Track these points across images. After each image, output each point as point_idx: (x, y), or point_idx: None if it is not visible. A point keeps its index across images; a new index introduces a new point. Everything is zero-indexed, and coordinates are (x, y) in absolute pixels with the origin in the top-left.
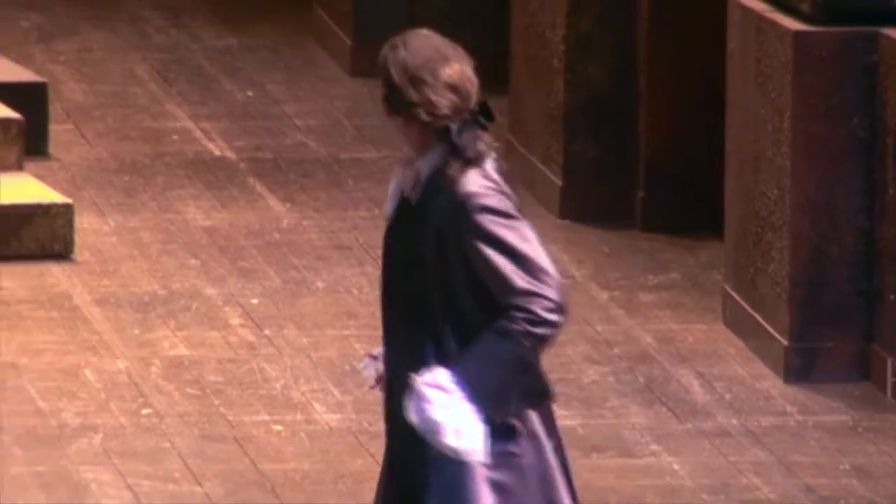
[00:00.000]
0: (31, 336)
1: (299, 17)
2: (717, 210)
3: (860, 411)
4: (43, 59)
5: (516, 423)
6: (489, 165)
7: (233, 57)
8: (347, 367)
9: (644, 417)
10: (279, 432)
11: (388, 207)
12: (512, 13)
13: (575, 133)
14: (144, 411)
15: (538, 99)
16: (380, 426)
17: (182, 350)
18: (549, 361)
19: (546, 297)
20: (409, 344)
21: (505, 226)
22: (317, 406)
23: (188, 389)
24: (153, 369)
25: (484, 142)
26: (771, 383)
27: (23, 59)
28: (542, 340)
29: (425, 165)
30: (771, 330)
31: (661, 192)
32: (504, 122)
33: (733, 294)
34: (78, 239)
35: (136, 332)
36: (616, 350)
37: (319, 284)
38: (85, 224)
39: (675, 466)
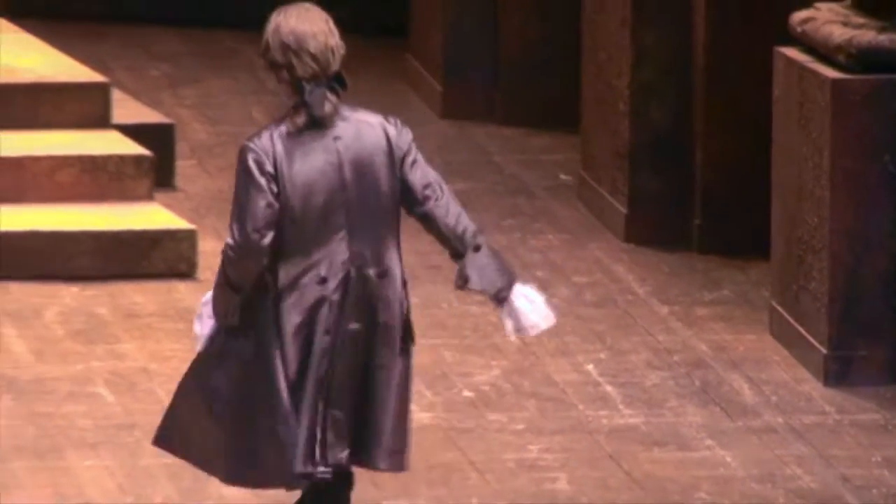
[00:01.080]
0: (160, 345)
1: (395, 66)
2: (764, 235)
3: (891, 411)
4: (171, 104)
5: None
6: (281, 129)
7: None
8: (438, 372)
9: (699, 416)
10: None
11: None
12: (583, 63)
13: (638, 168)
14: None
15: (606, 138)
16: (467, 423)
17: None
18: (616, 366)
19: (232, 238)
20: None
21: (238, 171)
22: (412, 406)
23: None
24: None
25: (331, 102)
26: (812, 386)
27: (153, 104)
28: (228, 266)
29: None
30: (812, 340)
31: (715, 219)
32: (577, 159)
33: (779, 308)
34: (200, 260)
35: None
36: (675, 357)
37: (414, 300)
38: (207, 247)
39: (728, 459)
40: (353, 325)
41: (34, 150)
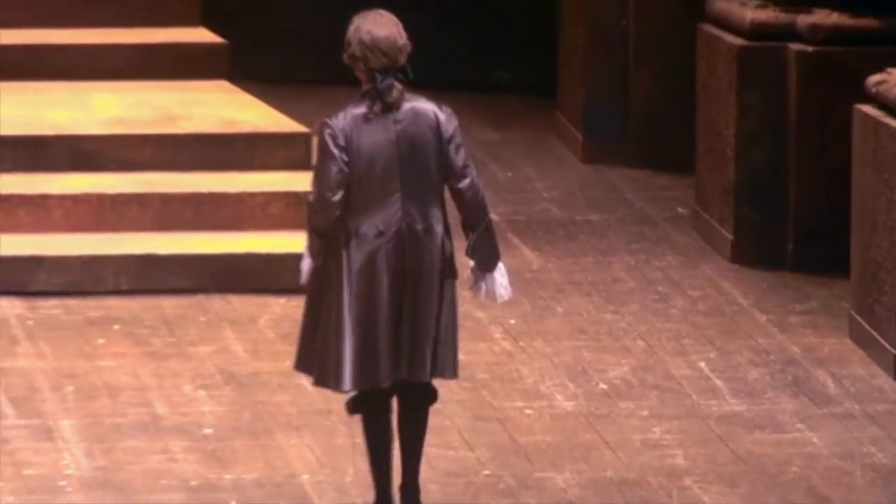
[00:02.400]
0: None
1: (545, 120)
2: (845, 257)
3: None
4: None
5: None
6: (360, 109)
7: (496, 148)
8: (579, 368)
9: (791, 405)
10: (529, 414)
11: None
12: (697, 117)
13: (741, 202)
14: None
15: (715, 178)
16: (602, 410)
17: (460, 356)
18: (724, 364)
19: (313, 196)
20: None
21: (318, 143)
22: (557, 396)
23: (464, 384)
24: None
25: (397, 90)
26: (884, 380)
27: None
28: (310, 217)
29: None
30: (884, 343)
31: (805, 244)
32: (691, 195)
33: (857, 317)
34: None
35: None
36: (771, 357)
37: (559, 309)
38: None
39: (814, 439)
40: (403, 266)
41: (251, 188)
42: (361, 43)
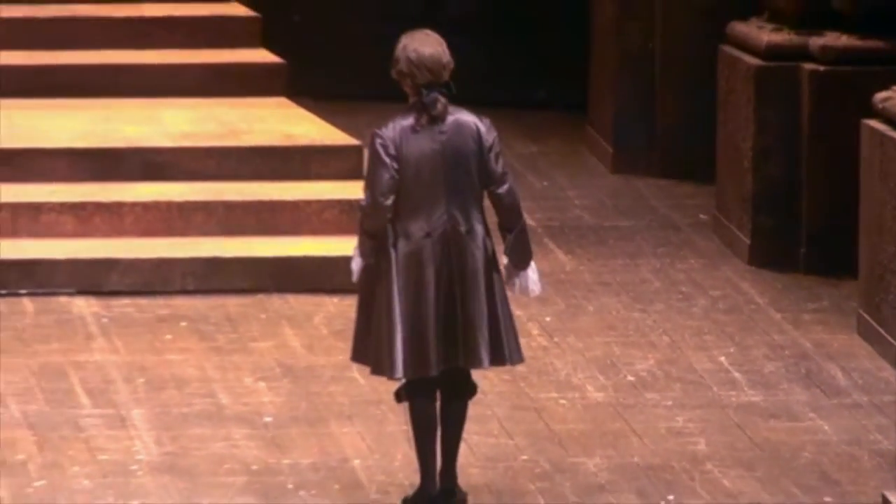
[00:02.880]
0: None
1: (577, 133)
2: (853, 260)
3: None
4: None
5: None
6: (408, 121)
7: (533, 159)
8: (608, 362)
9: (804, 395)
10: (563, 404)
11: None
12: (718, 131)
13: (758, 210)
14: None
15: (734, 187)
16: (630, 401)
17: None
18: (739, 358)
19: (365, 200)
20: None
21: (370, 152)
22: (588, 387)
23: (503, 376)
24: None
25: (442, 103)
26: (889, 373)
27: None
28: (363, 220)
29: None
30: (890, 339)
31: (816, 248)
32: (712, 203)
33: (864, 315)
34: None
35: None
36: (786, 351)
37: (590, 308)
38: None
39: (825, 427)
40: (449, 265)
41: (307, 196)
42: (409, 60)
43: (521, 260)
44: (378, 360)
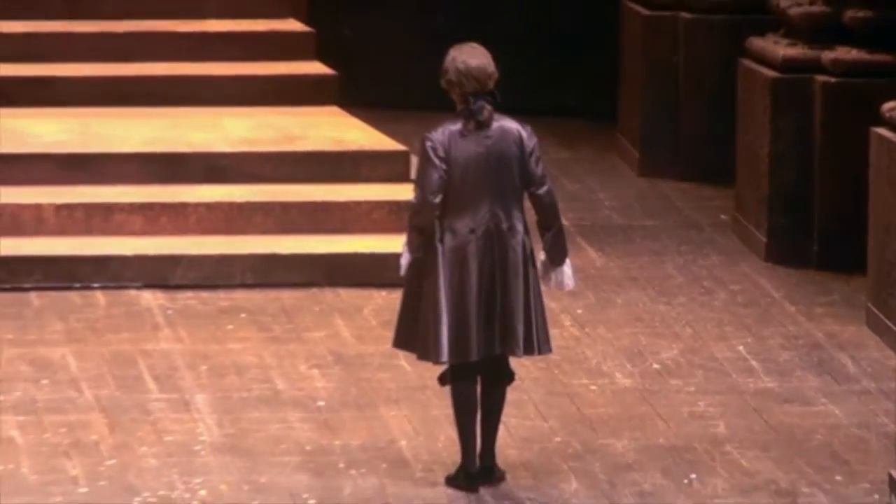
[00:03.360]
0: None
1: (607, 140)
2: (863, 257)
3: None
4: None
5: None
6: (456, 126)
7: (566, 164)
8: (635, 351)
9: (816, 382)
10: (594, 390)
11: None
12: (737, 138)
13: (774, 211)
14: None
15: (752, 190)
16: (655, 387)
17: None
18: (756, 348)
19: (415, 198)
20: None
21: (420, 154)
22: (617, 374)
23: (539, 364)
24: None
25: (487, 110)
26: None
27: None
28: (412, 217)
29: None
30: None
31: (828, 246)
32: (732, 204)
33: (873, 308)
34: None
35: None
36: (800, 341)
37: (619, 301)
38: None
39: (836, 411)
40: (490, 259)
41: (357, 197)
42: (457, 70)
43: (557, 256)
44: (424, 347)
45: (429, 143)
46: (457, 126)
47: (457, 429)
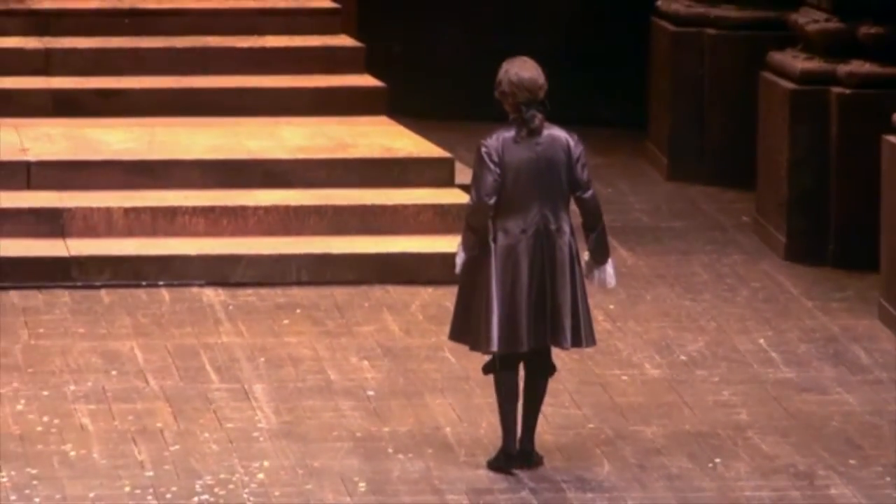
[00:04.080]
0: None
1: (637, 147)
2: (875, 256)
3: None
4: None
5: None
6: (510, 133)
7: (599, 169)
8: (663, 344)
9: (833, 372)
10: (625, 380)
11: None
12: (758, 145)
13: (793, 213)
14: None
15: (772, 194)
16: (682, 377)
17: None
18: (776, 341)
19: (472, 200)
20: None
21: (476, 159)
22: (646, 365)
23: (573, 356)
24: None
25: (539, 119)
26: None
27: None
28: (469, 217)
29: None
30: None
31: (843, 245)
32: (753, 207)
33: (885, 304)
34: None
35: None
36: (817, 334)
37: (648, 297)
38: None
39: (851, 400)
40: (540, 257)
41: (405, 201)
42: (510, 82)
43: (601, 256)
44: (476, 338)
45: (484, 149)
46: (510, 133)
47: (499, 414)
